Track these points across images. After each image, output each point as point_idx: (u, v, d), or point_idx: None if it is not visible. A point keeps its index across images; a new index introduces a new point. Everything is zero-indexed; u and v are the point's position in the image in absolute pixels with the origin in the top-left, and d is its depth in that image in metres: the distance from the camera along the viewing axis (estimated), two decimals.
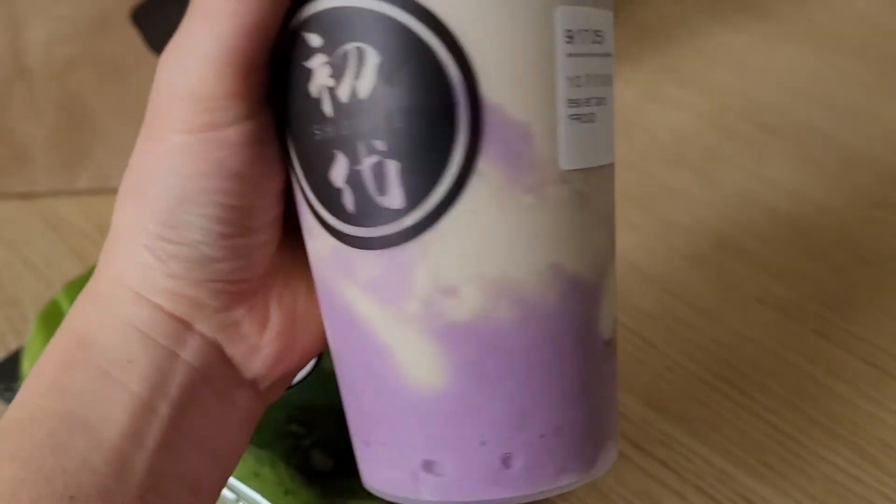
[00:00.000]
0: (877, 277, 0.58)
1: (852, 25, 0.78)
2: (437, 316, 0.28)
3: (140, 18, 0.60)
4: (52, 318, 0.46)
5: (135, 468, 0.29)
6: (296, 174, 0.30)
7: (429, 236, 0.28)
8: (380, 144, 0.27)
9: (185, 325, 0.31)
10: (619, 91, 0.38)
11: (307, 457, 0.41)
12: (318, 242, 0.30)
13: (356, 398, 0.31)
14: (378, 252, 0.28)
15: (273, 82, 0.29)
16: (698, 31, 0.79)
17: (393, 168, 0.28)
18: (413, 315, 0.29)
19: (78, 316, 0.31)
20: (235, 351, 0.32)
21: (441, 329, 0.28)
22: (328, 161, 0.28)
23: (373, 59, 0.27)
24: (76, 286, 0.48)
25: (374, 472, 0.31)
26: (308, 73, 0.28)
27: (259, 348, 0.32)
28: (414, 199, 0.28)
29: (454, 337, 0.29)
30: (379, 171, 0.28)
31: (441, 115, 0.27)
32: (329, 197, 0.29)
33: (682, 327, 0.55)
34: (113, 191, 0.64)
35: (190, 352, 0.31)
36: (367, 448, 0.31)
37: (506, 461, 0.29)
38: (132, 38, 0.61)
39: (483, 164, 0.28)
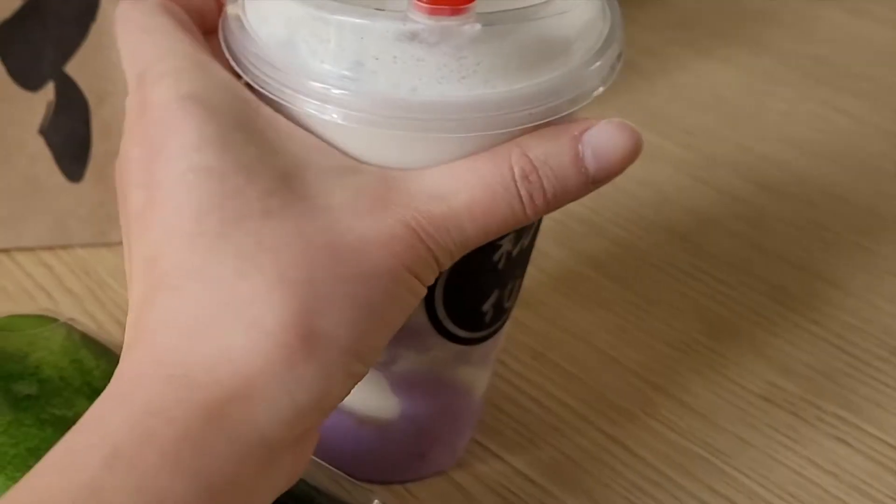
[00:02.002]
0: None
1: (864, 62, 0.79)
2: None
3: None
4: None
5: None
6: (433, 310, 0.44)
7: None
8: (518, 274, 0.46)
9: None
10: None
11: None
12: (438, 351, 0.46)
13: (445, 438, 0.51)
14: (490, 340, 0.47)
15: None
16: (679, 66, 0.79)
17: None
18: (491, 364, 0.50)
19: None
20: None
21: None
22: (485, 297, 0.45)
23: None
24: None
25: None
26: (496, 248, 0.43)
27: None
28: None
29: None
30: (510, 293, 0.47)
31: None
32: (473, 319, 0.45)
33: (670, 431, 0.54)
34: None
35: None
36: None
37: None
38: None
39: None
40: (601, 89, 0.39)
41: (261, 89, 0.39)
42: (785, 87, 0.77)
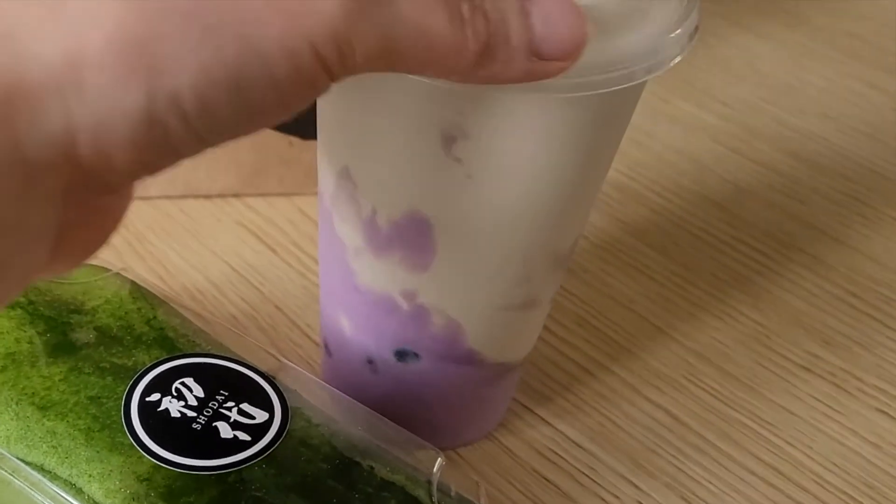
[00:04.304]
0: None
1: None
2: None
3: None
4: None
5: None
6: None
7: None
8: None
9: None
10: None
11: None
12: None
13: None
14: None
15: None
16: (716, 37, 0.79)
17: None
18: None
19: None
20: None
21: None
22: None
23: None
24: None
25: None
26: None
27: None
28: None
29: None
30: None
31: None
32: None
33: (713, 399, 0.55)
34: None
35: None
36: None
37: None
38: None
39: None
40: (678, 58, 0.38)
41: None
42: (820, 61, 0.77)
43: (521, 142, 0.38)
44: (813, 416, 0.54)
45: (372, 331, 0.46)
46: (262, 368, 0.45)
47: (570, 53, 0.33)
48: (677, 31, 0.38)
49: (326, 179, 0.43)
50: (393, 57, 0.31)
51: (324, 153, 0.43)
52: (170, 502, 0.40)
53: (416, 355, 0.46)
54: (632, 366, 0.56)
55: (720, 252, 0.63)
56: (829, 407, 0.55)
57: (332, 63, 0.30)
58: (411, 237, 0.41)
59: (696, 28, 0.39)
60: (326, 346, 0.50)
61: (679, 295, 0.60)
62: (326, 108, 0.41)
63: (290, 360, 0.48)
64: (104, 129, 0.28)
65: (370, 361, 0.47)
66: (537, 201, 0.41)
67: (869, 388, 0.56)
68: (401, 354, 0.46)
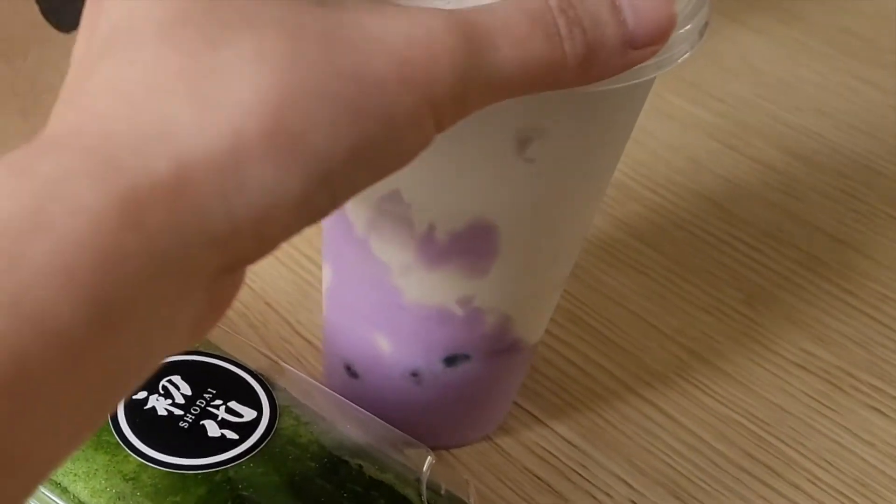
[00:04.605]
0: None
1: (890, 34, 0.79)
2: None
3: None
4: None
5: None
6: None
7: None
8: None
9: None
10: None
11: None
12: None
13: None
14: None
15: None
16: (711, 33, 0.78)
17: None
18: None
19: None
20: None
21: None
22: None
23: None
24: None
25: None
26: None
27: None
28: None
29: None
30: None
31: None
32: None
33: (707, 397, 0.54)
34: None
35: None
36: None
37: None
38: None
39: None
40: (687, 54, 0.37)
41: None
42: (816, 58, 0.77)
43: (586, 135, 0.39)
44: (807, 414, 0.54)
45: (419, 344, 0.46)
46: (252, 366, 0.45)
47: (663, 35, 0.34)
48: (687, 27, 0.37)
49: (358, 209, 0.42)
50: (499, 94, 0.32)
51: None
52: (156, 501, 0.40)
53: (466, 357, 0.46)
54: (625, 363, 0.55)
55: (715, 249, 0.62)
56: (823, 404, 0.54)
57: (446, 120, 0.31)
58: (473, 245, 0.41)
59: (706, 24, 0.39)
60: (349, 370, 0.49)
61: (673, 292, 0.60)
62: None
63: (280, 358, 0.48)
64: (265, 218, 0.29)
65: (415, 374, 0.47)
66: (588, 190, 0.42)
67: (863, 385, 0.55)
68: (450, 360, 0.46)
